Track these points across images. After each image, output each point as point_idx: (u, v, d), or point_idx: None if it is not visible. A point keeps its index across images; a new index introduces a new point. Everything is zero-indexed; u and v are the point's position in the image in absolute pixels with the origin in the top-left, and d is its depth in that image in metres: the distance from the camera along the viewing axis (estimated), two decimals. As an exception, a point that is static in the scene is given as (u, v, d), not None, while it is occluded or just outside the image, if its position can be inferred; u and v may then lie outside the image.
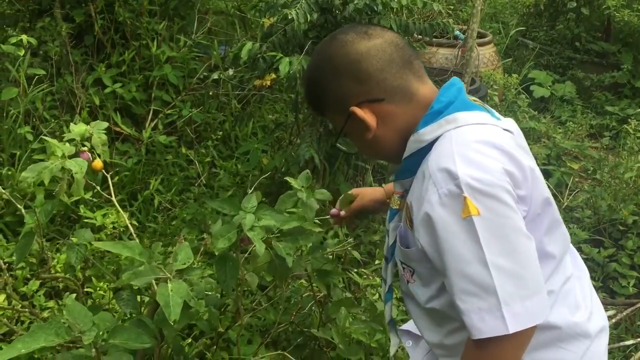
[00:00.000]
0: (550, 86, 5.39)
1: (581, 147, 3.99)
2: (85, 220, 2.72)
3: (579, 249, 3.10)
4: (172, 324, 1.34)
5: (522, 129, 3.92)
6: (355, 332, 1.92)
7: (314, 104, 1.27)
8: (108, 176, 1.81)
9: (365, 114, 1.14)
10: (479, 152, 1.03)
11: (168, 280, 1.42)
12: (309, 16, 2.45)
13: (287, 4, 2.70)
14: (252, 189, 1.85)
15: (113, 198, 1.78)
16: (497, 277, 0.96)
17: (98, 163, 1.77)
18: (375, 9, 2.63)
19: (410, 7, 2.88)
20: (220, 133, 3.80)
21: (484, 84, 4.22)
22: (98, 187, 1.81)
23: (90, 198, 2.93)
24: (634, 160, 3.52)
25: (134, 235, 1.88)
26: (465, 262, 0.98)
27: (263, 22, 2.88)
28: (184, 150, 3.58)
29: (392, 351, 1.39)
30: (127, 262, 2.23)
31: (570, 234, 3.15)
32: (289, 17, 2.43)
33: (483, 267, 0.96)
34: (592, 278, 2.99)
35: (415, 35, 2.99)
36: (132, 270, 1.49)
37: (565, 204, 3.37)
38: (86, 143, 1.81)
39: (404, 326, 1.48)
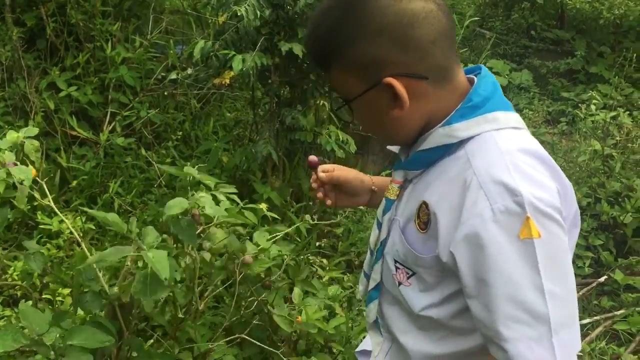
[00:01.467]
0: (507, 75, 5.49)
1: (536, 133, 4.07)
2: (42, 227, 2.68)
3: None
4: (163, 280, 1.37)
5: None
6: (311, 314, 1.97)
7: (324, 55, 1.02)
8: (42, 182, 1.79)
9: (401, 88, 0.96)
10: (532, 166, 0.93)
11: (148, 251, 1.44)
12: (259, 12, 2.45)
13: (239, 1, 2.70)
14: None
15: (51, 203, 1.76)
16: (551, 305, 0.88)
17: (32, 171, 1.75)
18: (326, 3, 2.64)
19: (362, 1, 2.90)
20: (180, 133, 3.78)
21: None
22: (37, 195, 1.78)
23: (48, 203, 2.89)
24: (587, 144, 3.61)
25: (79, 240, 1.88)
26: (517, 287, 0.88)
27: (214, 20, 2.88)
28: (143, 151, 3.55)
29: (375, 352, 1.25)
30: (84, 266, 2.21)
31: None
32: (238, 14, 2.43)
33: (539, 294, 0.88)
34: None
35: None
36: (99, 253, 1.50)
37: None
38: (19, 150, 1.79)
39: (360, 347, 1.36)
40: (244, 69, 2.51)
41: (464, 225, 0.91)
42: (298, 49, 2.64)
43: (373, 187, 1.36)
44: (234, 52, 2.57)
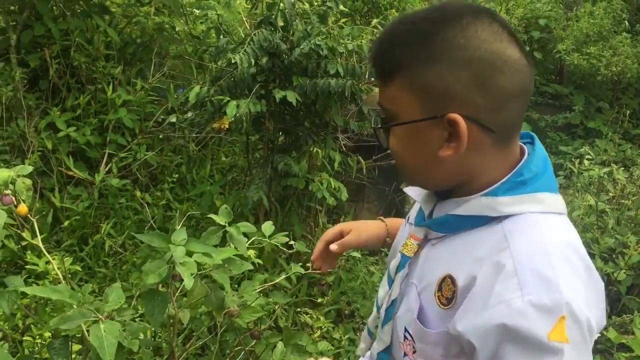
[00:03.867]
0: (506, 127, 5.53)
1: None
2: (29, 267, 2.67)
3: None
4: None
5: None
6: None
7: (393, 64, 0.89)
8: (34, 220, 1.79)
9: (464, 132, 0.85)
10: (573, 266, 0.84)
11: (100, 321, 1.41)
12: (254, 60, 2.50)
13: (236, 49, 2.75)
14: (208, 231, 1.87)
15: (40, 244, 1.75)
16: None
17: (23, 208, 1.74)
18: (321, 53, 2.69)
19: (359, 52, 2.96)
20: (177, 176, 3.80)
21: (438, 126, 4.31)
22: (23, 234, 1.78)
23: (36, 243, 2.88)
24: (582, 199, 3.60)
25: (62, 280, 1.85)
26: None
27: (212, 66, 2.93)
28: (138, 193, 3.56)
29: None
30: (64, 308, 2.19)
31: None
32: (232, 62, 2.47)
33: None
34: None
35: (364, 78, 3.06)
36: (60, 315, 1.47)
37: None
38: (10, 187, 1.79)
39: None
40: (238, 114, 2.54)
41: (489, 311, 0.82)
42: (292, 96, 2.67)
43: (387, 240, 1.27)
44: (228, 98, 2.60)
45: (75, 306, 1.54)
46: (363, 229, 1.28)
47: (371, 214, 3.84)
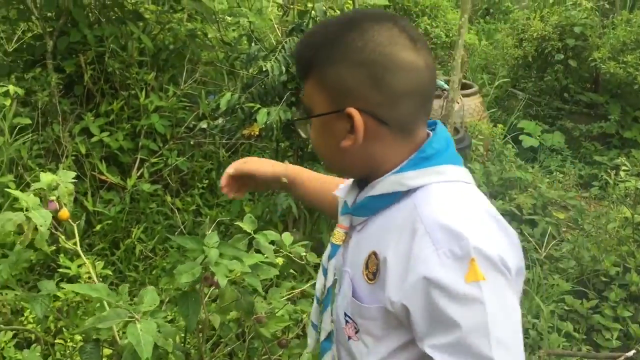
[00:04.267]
0: (539, 136, 5.44)
1: (565, 196, 3.99)
2: (61, 270, 2.71)
3: (562, 300, 3.07)
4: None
5: (508, 178, 3.88)
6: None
7: (307, 64, 1.04)
8: (74, 225, 1.82)
9: (360, 124, 0.98)
10: (478, 215, 0.96)
11: (136, 321, 1.42)
12: (284, 68, 2.50)
13: (267, 56, 2.76)
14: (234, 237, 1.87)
15: (78, 248, 1.78)
16: (496, 349, 0.87)
17: (64, 213, 1.78)
18: (353, 61, 2.68)
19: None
20: (207, 181, 3.82)
21: (468, 134, 4.26)
22: (62, 237, 1.81)
23: (73, 246, 2.93)
24: (618, 211, 3.52)
25: (96, 283, 1.87)
26: (464, 331, 0.88)
27: (243, 73, 2.94)
28: (168, 198, 3.60)
29: None
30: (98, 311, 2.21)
31: (554, 285, 3.15)
32: (264, 70, 2.48)
33: (483, 338, 0.88)
34: (576, 330, 2.95)
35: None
36: (96, 315, 1.49)
37: (544, 254, 3.35)
38: (54, 192, 1.82)
39: None
40: (268, 122, 2.54)
41: (412, 272, 0.92)
42: (323, 105, 2.67)
43: (283, 180, 1.41)
44: (259, 105, 2.61)
45: (109, 306, 1.56)
46: (262, 162, 1.43)
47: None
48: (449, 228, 0.91)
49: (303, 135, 0.98)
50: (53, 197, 1.80)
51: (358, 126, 0.98)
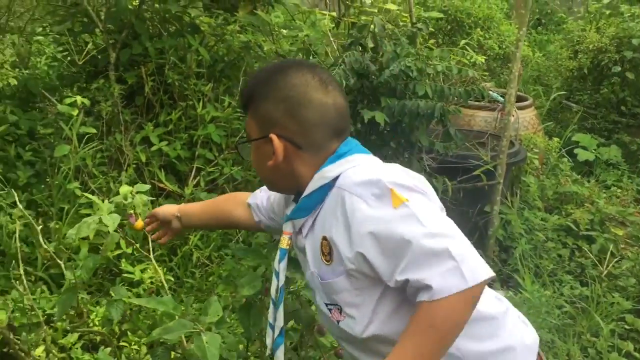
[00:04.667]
0: (594, 150, 5.32)
1: (624, 212, 3.89)
2: (125, 275, 2.80)
3: (622, 319, 3.00)
4: None
5: (563, 192, 3.81)
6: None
7: (246, 102, 1.32)
8: (149, 235, 1.88)
9: (279, 146, 1.24)
10: (386, 166, 1.22)
11: (201, 333, 1.47)
12: (344, 82, 2.53)
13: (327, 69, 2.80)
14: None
15: (151, 255, 1.85)
16: (446, 243, 1.05)
17: (139, 223, 1.85)
18: (411, 74, 2.70)
19: (447, 73, 2.94)
20: (260, 191, 3.87)
21: (524, 147, 4.20)
22: (137, 245, 1.89)
23: (133, 252, 3.03)
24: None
25: (167, 291, 1.93)
26: (414, 242, 1.05)
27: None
28: (224, 207, 3.66)
29: None
30: (163, 318, 2.28)
31: (613, 303, 3.07)
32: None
33: (430, 238, 1.05)
34: (636, 350, 2.87)
35: (451, 99, 3.04)
36: (163, 326, 1.54)
37: (605, 271, 3.27)
38: (129, 202, 1.90)
39: None
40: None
41: (353, 226, 1.13)
42: (380, 117, 2.69)
43: (177, 214, 1.72)
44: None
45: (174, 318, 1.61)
46: (165, 206, 1.78)
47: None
48: (364, 180, 1.15)
49: (244, 157, 1.44)
50: (131, 211, 1.88)
51: (277, 148, 1.25)
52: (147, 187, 1.78)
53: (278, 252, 1.34)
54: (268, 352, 1.43)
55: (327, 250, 1.21)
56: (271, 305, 1.39)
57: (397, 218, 1.08)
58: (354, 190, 1.14)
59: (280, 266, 1.34)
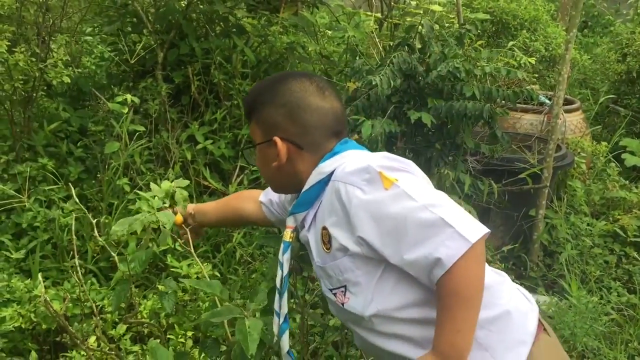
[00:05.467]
0: (643, 155, 5.17)
1: (676, 220, 3.78)
2: (172, 270, 2.85)
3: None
4: (249, 358, 1.42)
5: (611, 198, 3.75)
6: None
7: (250, 110, 1.44)
8: (187, 230, 1.93)
9: (282, 148, 1.37)
10: (374, 154, 1.31)
11: (245, 318, 1.50)
12: (392, 82, 2.53)
13: (371, 70, 2.81)
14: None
15: (192, 250, 1.89)
16: (439, 212, 1.14)
17: (179, 218, 1.89)
18: (458, 75, 2.68)
19: (494, 74, 2.91)
20: (302, 190, 3.90)
21: (570, 151, 4.13)
22: (180, 241, 1.93)
23: (178, 248, 3.08)
24: None
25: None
26: (410, 218, 1.15)
27: (348, 86, 2.99)
28: (266, 205, 3.69)
29: None
30: (208, 310, 2.32)
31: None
32: (373, 83, 2.52)
33: (426, 211, 1.14)
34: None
35: (499, 101, 3.01)
36: (211, 311, 1.58)
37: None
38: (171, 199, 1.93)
39: None
40: (373, 134, 2.58)
41: (351, 212, 1.22)
42: (427, 118, 2.68)
43: (191, 212, 1.85)
44: (364, 118, 2.65)
45: (220, 304, 1.64)
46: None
47: (496, 239, 3.75)
48: (355, 169, 1.25)
49: (249, 162, 1.51)
50: (173, 205, 1.91)
51: (280, 149, 1.37)
52: (187, 182, 1.82)
53: (282, 245, 1.44)
54: (275, 338, 1.51)
55: (327, 238, 1.30)
56: (276, 294, 1.48)
57: (390, 198, 1.18)
58: (348, 179, 1.25)
59: (284, 258, 1.44)
